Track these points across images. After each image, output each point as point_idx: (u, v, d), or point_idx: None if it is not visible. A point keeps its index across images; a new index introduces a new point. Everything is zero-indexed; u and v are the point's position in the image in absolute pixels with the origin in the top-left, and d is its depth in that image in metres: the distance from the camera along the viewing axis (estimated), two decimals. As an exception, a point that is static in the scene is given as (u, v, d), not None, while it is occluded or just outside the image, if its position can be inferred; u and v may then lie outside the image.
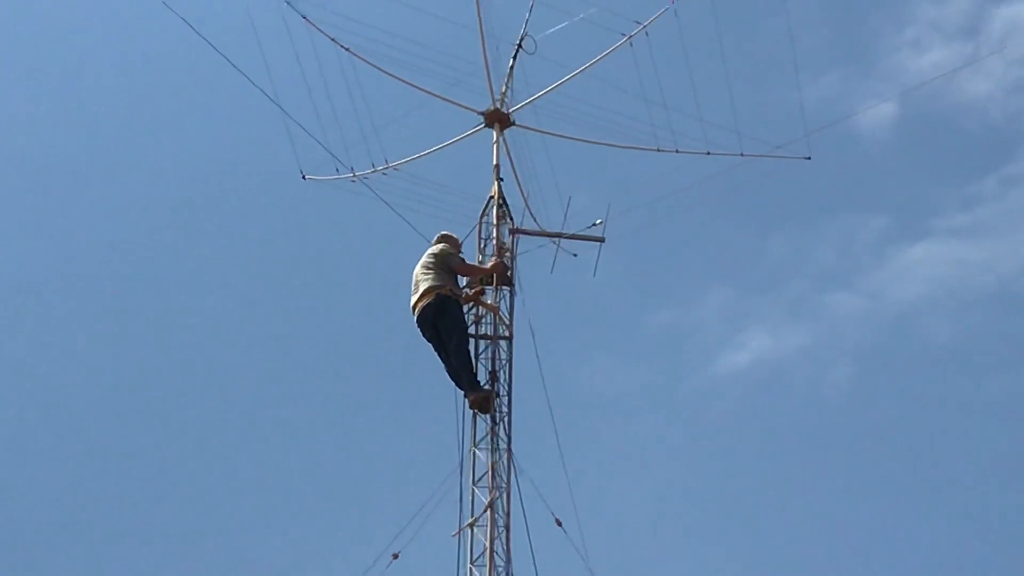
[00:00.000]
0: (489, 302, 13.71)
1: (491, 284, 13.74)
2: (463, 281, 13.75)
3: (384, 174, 14.53)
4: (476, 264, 13.84)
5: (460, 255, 13.72)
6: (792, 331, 27.37)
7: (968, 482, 25.11)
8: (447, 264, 13.48)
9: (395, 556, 12.82)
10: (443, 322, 13.31)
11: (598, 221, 13.75)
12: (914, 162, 28.52)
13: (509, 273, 13.79)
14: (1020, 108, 28.40)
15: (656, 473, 24.39)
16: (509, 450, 13.15)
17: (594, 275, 13.96)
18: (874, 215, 28.02)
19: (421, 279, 13.43)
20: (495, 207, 14.12)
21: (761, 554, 23.76)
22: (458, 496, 12.90)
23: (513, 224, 14.08)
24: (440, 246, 13.63)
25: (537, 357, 13.53)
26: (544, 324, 14.12)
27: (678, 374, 26.38)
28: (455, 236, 13.90)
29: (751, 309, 27.70)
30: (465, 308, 13.63)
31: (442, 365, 13.47)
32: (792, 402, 26.40)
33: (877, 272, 27.86)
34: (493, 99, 14.48)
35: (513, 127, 14.54)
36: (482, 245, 14.02)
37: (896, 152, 28.23)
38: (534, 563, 12.63)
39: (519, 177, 14.40)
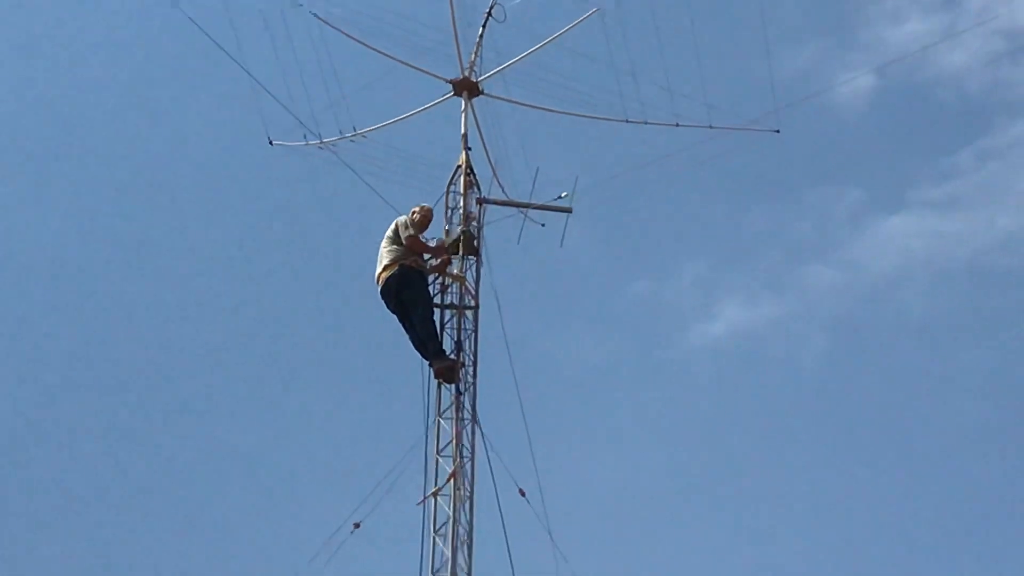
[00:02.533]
0: (455, 272, 13.69)
1: (457, 253, 13.70)
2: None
3: (352, 141, 14.47)
4: (426, 242, 13.74)
5: (419, 231, 13.61)
6: (767, 303, 27.44)
7: (940, 452, 25.31)
8: (399, 236, 13.45)
9: (356, 525, 12.82)
10: (407, 293, 13.30)
11: (564, 193, 13.77)
12: (891, 134, 28.58)
13: (475, 243, 13.76)
14: (997, 80, 28.47)
15: (628, 444, 24.48)
16: (474, 420, 13.14)
17: (561, 245, 13.99)
18: (850, 187, 28.08)
19: (384, 251, 13.42)
20: (462, 176, 14.07)
21: (733, 524, 23.87)
22: (422, 466, 12.94)
23: (480, 193, 14.06)
24: (400, 218, 13.59)
25: (503, 327, 13.54)
26: (513, 294, 14.12)
27: (652, 345, 26.44)
28: (429, 208, 13.81)
29: (726, 280, 27.76)
30: (431, 278, 13.62)
31: (407, 336, 13.46)
32: (766, 373, 26.49)
33: (852, 244, 27.94)
34: (462, 68, 14.42)
35: (482, 96, 14.47)
36: (449, 214, 13.99)
37: (873, 124, 28.28)
38: (504, 532, 12.70)
39: (487, 146, 14.38)
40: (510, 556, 12.47)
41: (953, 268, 27.49)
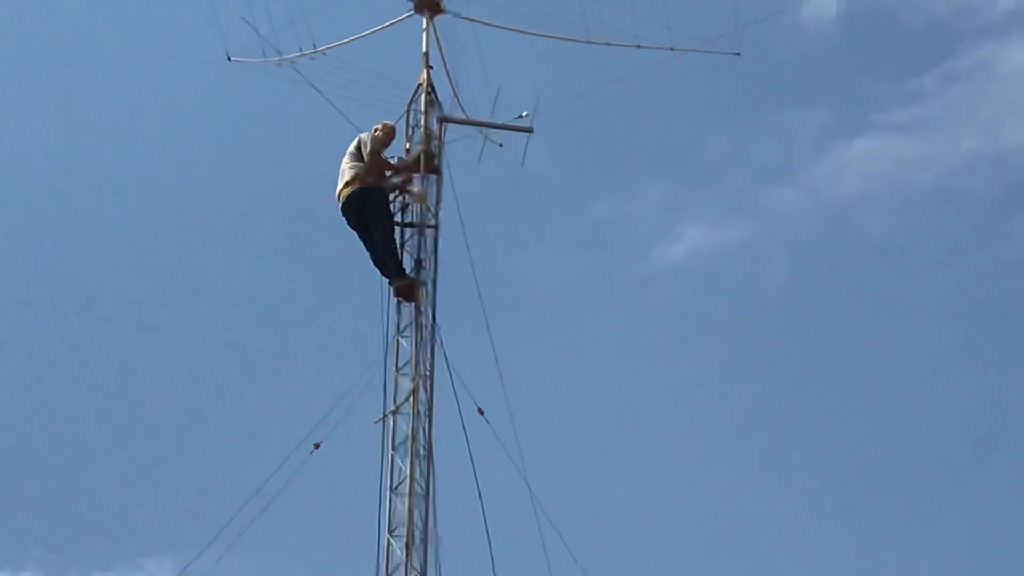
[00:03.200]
0: (415, 190, 13.69)
1: (418, 171, 13.70)
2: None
3: (312, 58, 14.34)
4: (388, 160, 13.74)
5: (380, 148, 13.59)
6: (730, 225, 27.51)
7: (902, 374, 25.54)
8: (361, 154, 13.42)
9: (316, 446, 12.88)
10: (368, 210, 13.30)
11: (524, 113, 13.78)
12: (856, 57, 28.52)
13: (436, 161, 13.76)
14: (965, 4, 28.44)
15: (590, 363, 24.59)
16: (432, 338, 13.20)
17: (521, 165, 14.01)
18: (814, 110, 28.08)
19: (346, 167, 13.39)
20: (423, 95, 14.01)
21: (694, 443, 24.09)
22: (382, 384, 13.00)
23: (441, 112, 14.01)
24: (362, 135, 13.56)
25: (467, 246, 13.57)
26: (475, 214, 14.11)
27: (615, 265, 26.49)
28: (391, 125, 13.77)
29: (689, 202, 27.78)
30: (392, 196, 13.61)
31: (368, 253, 13.48)
32: (729, 295, 26.60)
33: (816, 167, 27.98)
34: (424, -15, 14.33)
35: (443, 15, 14.36)
36: (410, 132, 13.95)
37: (838, 46, 28.20)
38: (469, 449, 12.81)
39: (448, 66, 14.27)
40: (475, 473, 12.65)
41: (917, 191, 27.61)
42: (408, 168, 13.68)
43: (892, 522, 23.39)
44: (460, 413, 12.91)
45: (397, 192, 13.66)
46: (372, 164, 13.38)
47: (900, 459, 24.47)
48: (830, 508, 23.57)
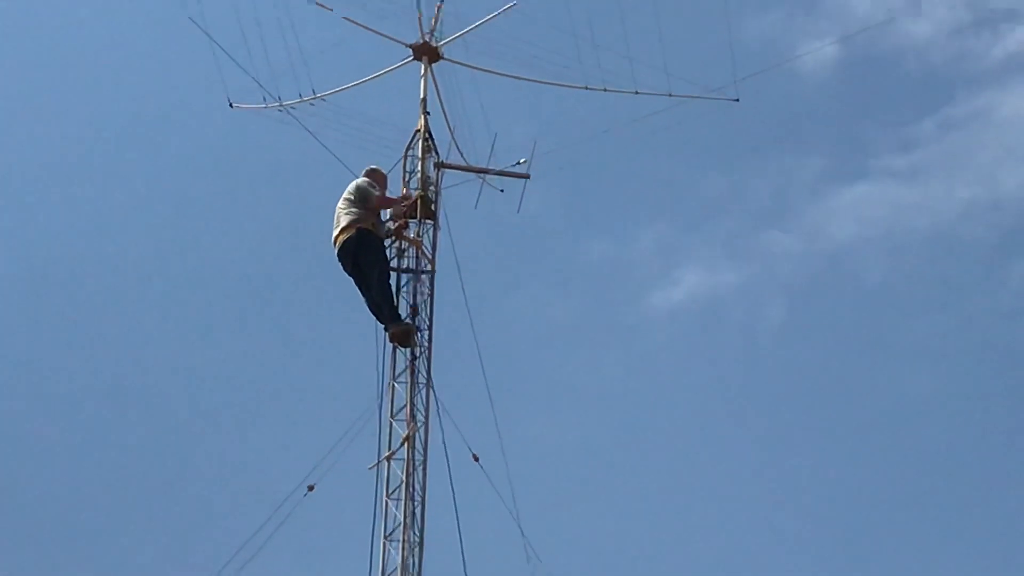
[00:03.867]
0: (412, 236, 13.73)
1: (414, 217, 13.75)
2: (386, 215, 13.75)
3: (311, 105, 14.43)
4: (392, 196, 13.82)
5: (381, 190, 13.66)
6: (726, 268, 27.52)
7: (897, 420, 25.46)
8: (365, 198, 13.45)
9: (311, 488, 12.88)
10: (364, 256, 13.31)
11: (522, 160, 13.84)
12: (853, 102, 28.56)
13: (432, 207, 13.81)
14: (961, 51, 28.53)
15: (586, 408, 24.54)
16: (428, 384, 13.21)
17: (518, 211, 14.06)
18: (811, 155, 28.13)
19: (342, 213, 13.42)
20: (421, 141, 14.08)
21: (690, 488, 24.02)
22: (376, 430, 13.00)
23: (439, 158, 14.06)
24: (361, 180, 13.61)
25: (463, 291, 13.64)
26: (470, 258, 14.17)
27: (611, 309, 26.47)
28: (382, 170, 13.87)
29: (686, 245, 27.79)
30: (388, 242, 13.65)
31: (363, 299, 13.49)
32: (725, 339, 26.57)
33: (812, 212, 28.02)
34: (422, 32, 14.37)
35: (442, 61, 14.45)
36: (407, 178, 14.01)
37: (836, 92, 28.25)
38: (454, 497, 12.79)
39: (446, 111, 14.35)
40: (458, 520, 12.63)
41: (913, 237, 27.63)
42: (409, 201, 13.69)
43: (887, 566, 23.29)
44: (448, 460, 12.90)
45: (393, 237, 13.68)
46: (380, 205, 13.50)
47: (896, 503, 24.43)
48: (826, 552, 23.46)
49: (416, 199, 13.73)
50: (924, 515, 24.35)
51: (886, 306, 26.92)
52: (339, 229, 13.35)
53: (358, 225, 13.27)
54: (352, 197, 13.46)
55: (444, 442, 12.97)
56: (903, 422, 25.43)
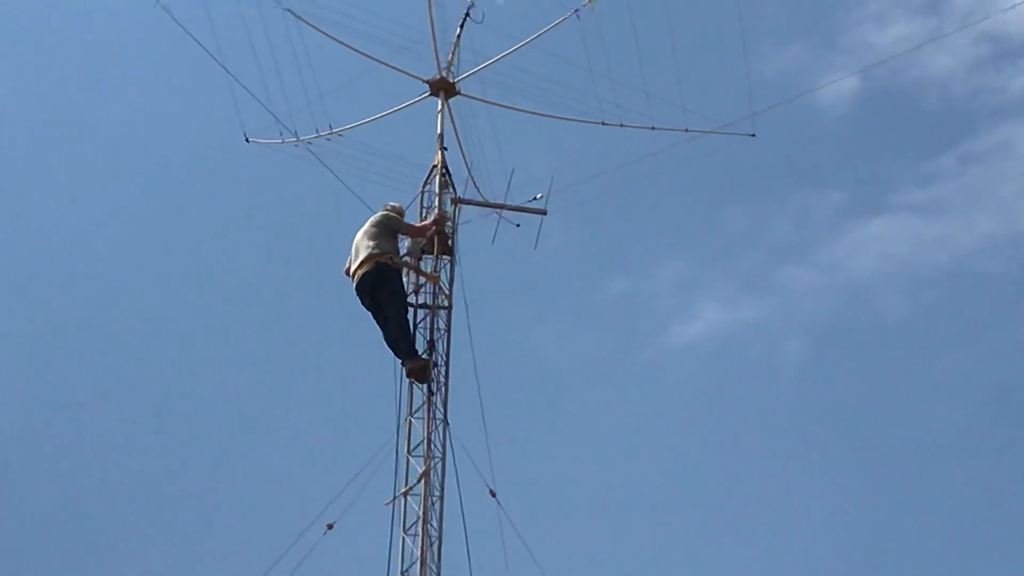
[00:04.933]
0: (429, 271, 13.72)
1: (431, 253, 13.74)
2: (403, 250, 13.74)
3: (328, 140, 14.51)
4: (419, 224, 13.83)
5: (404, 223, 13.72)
6: (746, 304, 27.47)
7: (918, 456, 25.33)
8: (392, 228, 13.47)
9: (330, 526, 12.84)
10: (382, 290, 13.29)
11: (539, 195, 13.84)
12: (873, 137, 28.56)
13: (449, 243, 13.80)
14: (981, 85, 28.48)
15: (604, 444, 24.44)
16: (445, 420, 13.19)
17: (535, 247, 14.05)
18: (831, 190, 28.09)
19: (362, 246, 13.40)
20: (438, 176, 14.11)
21: (707, 526, 23.91)
22: (393, 465, 12.98)
23: (456, 194, 14.08)
24: (384, 212, 13.60)
25: (468, 328, 13.63)
26: (488, 294, 14.23)
27: (630, 344, 26.42)
28: (400, 206, 13.88)
29: (705, 280, 27.75)
30: (405, 277, 13.63)
31: (381, 333, 13.47)
32: (744, 375, 26.51)
33: (833, 247, 27.95)
34: (439, 68, 14.46)
35: (458, 96, 14.51)
36: (424, 214, 14.01)
37: (856, 127, 28.28)
38: (465, 533, 12.75)
39: (463, 147, 14.41)
40: (469, 556, 12.57)
41: (933, 272, 27.55)
42: (427, 228, 13.70)
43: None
44: (462, 496, 12.89)
45: (411, 271, 13.67)
46: (415, 234, 13.58)
47: (917, 540, 24.26)
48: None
49: (444, 217, 13.74)
50: (945, 550, 24.17)
51: (906, 341, 26.83)
52: (358, 262, 13.33)
53: (377, 259, 13.24)
54: (375, 230, 13.44)
55: (458, 478, 12.97)
56: (924, 458, 25.32)
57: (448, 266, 13.78)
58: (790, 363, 26.69)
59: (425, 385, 13.26)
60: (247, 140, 14.85)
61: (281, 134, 14.49)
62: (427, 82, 14.45)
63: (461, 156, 14.36)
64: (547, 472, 21.51)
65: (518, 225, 14.00)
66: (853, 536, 24.16)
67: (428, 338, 13.48)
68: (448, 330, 13.53)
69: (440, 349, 13.44)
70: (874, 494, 24.76)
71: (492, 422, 13.31)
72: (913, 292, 27.26)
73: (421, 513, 12.68)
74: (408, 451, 13.00)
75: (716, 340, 26.85)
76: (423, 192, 14.09)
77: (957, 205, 28.14)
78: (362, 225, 13.60)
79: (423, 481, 12.81)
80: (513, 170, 13.81)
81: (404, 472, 12.91)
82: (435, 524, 12.75)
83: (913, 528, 24.26)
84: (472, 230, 14.08)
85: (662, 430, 25.29)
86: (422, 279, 13.71)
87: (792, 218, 28.10)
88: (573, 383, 25.14)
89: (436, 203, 13.97)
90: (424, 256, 13.81)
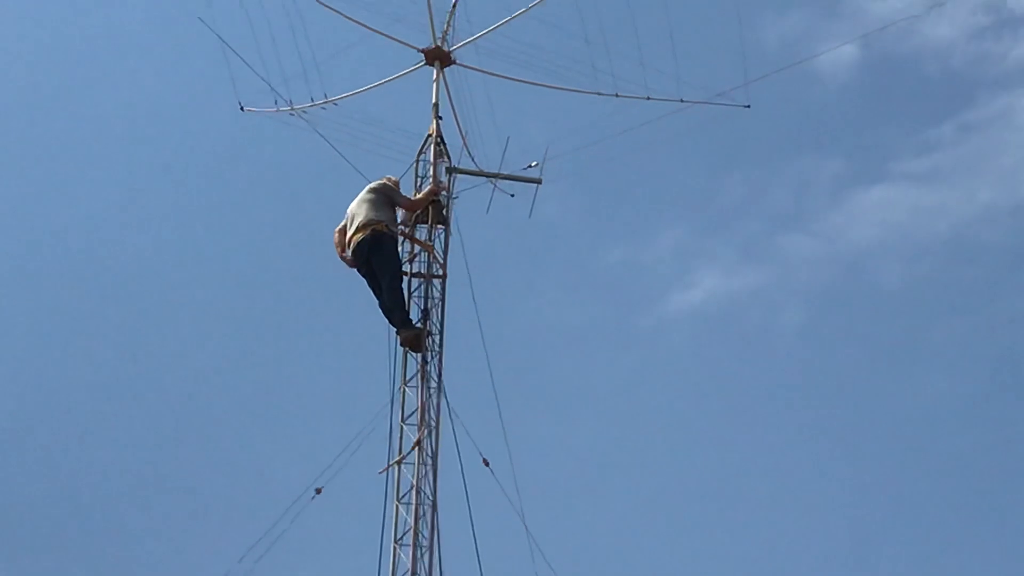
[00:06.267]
0: (423, 240, 13.75)
1: (426, 222, 13.77)
2: (399, 219, 13.76)
3: (323, 109, 14.47)
4: (416, 197, 13.84)
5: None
6: (745, 272, 27.47)
7: (915, 424, 25.39)
8: (390, 198, 13.49)
9: (318, 491, 12.91)
10: (377, 258, 13.29)
11: (534, 163, 13.85)
12: (873, 106, 28.48)
13: (444, 212, 13.81)
14: (981, 54, 28.42)
15: (600, 412, 24.48)
16: (439, 389, 13.23)
17: (529, 216, 14.06)
18: (830, 158, 28.07)
19: (358, 213, 13.41)
20: (433, 145, 14.10)
21: (705, 493, 23.97)
22: (387, 433, 13.01)
23: (450, 163, 14.08)
24: (381, 181, 13.62)
25: (473, 297, 13.64)
26: (483, 263, 14.19)
27: (628, 312, 26.43)
28: (396, 179, 13.88)
29: (704, 249, 27.75)
30: (400, 246, 13.65)
31: (376, 301, 13.50)
32: (743, 343, 26.51)
33: (831, 215, 27.95)
34: (434, 37, 14.42)
35: (454, 66, 14.49)
36: (419, 183, 14.01)
37: (855, 95, 28.19)
38: (467, 500, 12.80)
39: (458, 116, 14.40)
40: (472, 525, 12.65)
41: (932, 241, 27.55)
42: (423, 201, 13.73)
43: (905, 568, 23.23)
44: (462, 464, 12.94)
45: (404, 240, 13.70)
46: (412, 207, 13.60)
47: (914, 507, 24.35)
48: (842, 555, 23.40)
49: (439, 189, 13.77)
50: (942, 518, 24.27)
51: (905, 309, 26.87)
52: (353, 229, 13.35)
53: (373, 227, 13.26)
54: (373, 197, 13.46)
55: (457, 446, 13.01)
56: (921, 426, 25.38)
57: (443, 235, 13.81)
58: (788, 331, 26.74)
59: (419, 354, 13.30)
60: (242, 109, 14.83)
61: (276, 103, 14.47)
62: (422, 51, 14.42)
63: (456, 125, 14.37)
64: (543, 441, 21.59)
65: (512, 195, 14.03)
66: (851, 504, 24.26)
67: (422, 307, 13.51)
68: (443, 299, 13.57)
69: (435, 318, 13.48)
70: (872, 462, 24.84)
71: (488, 391, 13.38)
72: (912, 261, 27.29)
73: (415, 482, 12.74)
74: (402, 420, 13.05)
75: (715, 308, 26.89)
76: (418, 161, 14.09)
77: (956, 174, 28.13)
78: (358, 194, 13.63)
79: (416, 450, 12.86)
80: (508, 139, 13.85)
81: (398, 441, 12.97)
82: (428, 493, 12.80)
83: (910, 496, 24.36)
84: (467, 199, 14.11)
85: (660, 398, 25.34)
86: (417, 248, 13.74)
87: (791, 186, 28.10)
88: (571, 352, 25.18)
89: (431, 172, 13.97)
90: (418, 225, 13.82)
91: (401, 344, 13.30)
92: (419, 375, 13.23)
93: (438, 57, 14.42)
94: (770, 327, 26.75)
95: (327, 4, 14.37)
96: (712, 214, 27.29)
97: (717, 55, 18.06)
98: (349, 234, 13.42)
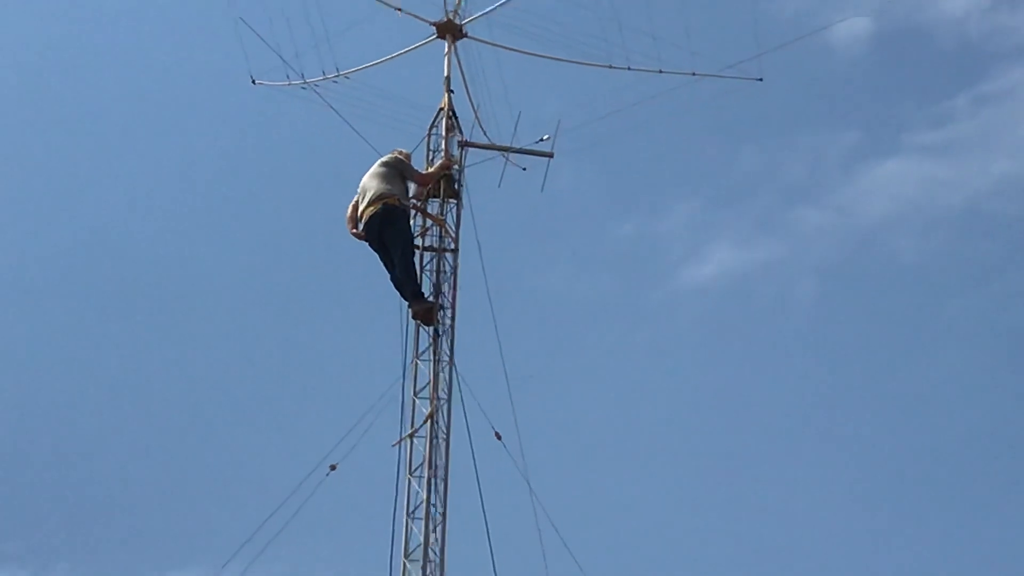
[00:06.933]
0: (435, 214, 13.76)
1: (438, 196, 13.77)
2: (411, 193, 13.76)
3: (335, 82, 14.42)
4: (427, 172, 13.84)
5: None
6: (758, 245, 27.44)
7: (929, 398, 25.39)
8: (401, 172, 13.49)
9: (333, 467, 12.94)
10: (389, 232, 13.29)
11: (546, 136, 13.83)
12: (887, 78, 28.40)
13: (456, 185, 13.81)
14: (997, 26, 28.31)
15: (612, 386, 24.53)
16: (451, 362, 13.24)
17: (541, 190, 14.07)
18: (844, 131, 27.98)
19: (370, 186, 13.41)
20: (444, 119, 14.08)
21: (718, 466, 24.01)
22: (399, 407, 13.04)
23: (462, 136, 14.06)
24: (394, 155, 13.62)
25: (483, 270, 13.64)
26: (495, 237, 14.19)
27: (641, 285, 26.44)
28: (408, 152, 13.87)
29: (717, 222, 27.72)
30: (412, 220, 13.65)
31: (388, 275, 13.52)
32: (756, 316, 26.54)
33: (845, 188, 27.89)
34: (446, 10, 14.38)
35: (465, 39, 14.45)
36: (430, 157, 14.00)
37: (869, 67, 28.12)
38: (477, 474, 12.83)
39: (470, 90, 14.35)
40: (482, 499, 12.67)
41: (946, 213, 27.50)
42: (435, 175, 13.72)
43: (917, 543, 23.26)
44: (471, 437, 12.97)
45: (416, 213, 13.70)
46: (426, 181, 13.59)
47: (928, 481, 24.38)
48: (854, 530, 23.45)
49: (451, 163, 13.77)
50: (956, 492, 24.29)
51: (919, 283, 26.85)
52: (366, 202, 13.35)
53: (385, 200, 13.26)
54: (385, 171, 13.46)
55: (467, 420, 13.03)
56: (934, 400, 25.38)
57: (455, 209, 13.81)
58: (802, 305, 26.73)
59: (431, 327, 13.33)
60: (253, 82, 14.79)
61: (288, 76, 14.44)
62: (434, 24, 14.38)
63: (468, 99, 14.31)
64: (556, 414, 21.63)
65: (524, 168, 14.02)
66: (863, 476, 24.29)
67: (434, 280, 13.52)
68: (455, 273, 13.58)
69: (446, 292, 13.49)
70: (885, 435, 24.87)
71: (500, 365, 13.40)
72: (926, 234, 27.24)
73: (427, 454, 12.77)
74: (414, 393, 13.07)
75: (728, 281, 26.88)
76: (429, 135, 14.07)
77: (971, 146, 28.05)
78: (369, 167, 13.63)
79: (428, 423, 12.90)
80: (520, 113, 13.83)
81: (410, 414, 13.00)
82: (440, 466, 12.84)
83: (923, 468, 24.38)
84: (479, 173, 14.11)
85: (673, 371, 25.40)
86: (428, 221, 13.75)
87: (804, 159, 28.04)
88: (583, 325, 25.21)
89: (443, 146, 13.97)
90: (430, 199, 13.82)
91: (413, 317, 13.31)
92: (431, 348, 13.26)
93: (450, 30, 14.37)
94: (783, 301, 26.76)
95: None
96: (725, 187, 27.28)
97: (730, 27, 18.01)
98: (361, 208, 13.42)
